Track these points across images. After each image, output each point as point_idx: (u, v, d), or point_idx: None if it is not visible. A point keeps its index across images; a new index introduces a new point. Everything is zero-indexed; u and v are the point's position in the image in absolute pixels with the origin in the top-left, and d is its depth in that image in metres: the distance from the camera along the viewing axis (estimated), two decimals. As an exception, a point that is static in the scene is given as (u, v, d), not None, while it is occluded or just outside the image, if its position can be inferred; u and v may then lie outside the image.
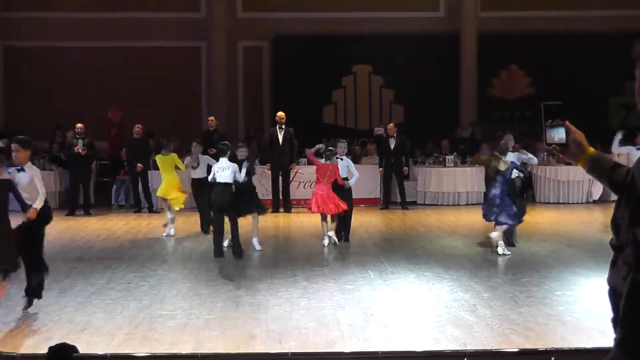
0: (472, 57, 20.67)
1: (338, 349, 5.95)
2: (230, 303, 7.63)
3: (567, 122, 2.54)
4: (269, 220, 14.47)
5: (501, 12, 20.93)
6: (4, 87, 21.07)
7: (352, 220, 12.14)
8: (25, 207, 7.22)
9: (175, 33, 20.70)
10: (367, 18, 20.95)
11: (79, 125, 15.85)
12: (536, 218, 14.75)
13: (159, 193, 12.99)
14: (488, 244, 11.07)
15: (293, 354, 5.75)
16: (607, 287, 1.85)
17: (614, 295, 1.76)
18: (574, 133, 2.54)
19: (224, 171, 10.37)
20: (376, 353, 5.75)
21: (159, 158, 12.96)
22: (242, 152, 10.92)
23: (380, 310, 7.32)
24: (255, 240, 10.98)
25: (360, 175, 15.83)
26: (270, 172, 15.79)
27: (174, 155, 13.04)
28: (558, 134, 2.55)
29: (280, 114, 15.54)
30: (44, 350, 5.65)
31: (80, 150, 15.48)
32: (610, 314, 1.78)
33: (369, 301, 7.70)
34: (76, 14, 20.51)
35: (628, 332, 1.68)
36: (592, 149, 2.52)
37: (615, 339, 1.71)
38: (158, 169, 13.33)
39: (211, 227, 11.34)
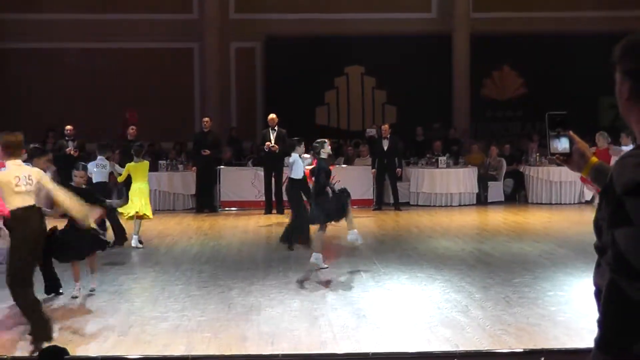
0: (465, 57, 20.66)
1: (330, 351, 5.96)
2: (223, 305, 7.62)
3: (571, 132, 2.57)
4: (262, 222, 14.49)
5: (493, 13, 20.94)
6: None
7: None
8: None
9: (167, 34, 20.66)
10: (359, 19, 20.95)
11: (68, 127, 15.80)
12: (528, 218, 14.79)
13: (139, 210, 11.26)
14: (482, 245, 11.06)
15: (284, 355, 5.75)
16: (593, 288, 1.86)
17: (599, 296, 1.78)
18: (578, 143, 2.56)
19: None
20: (367, 354, 5.75)
21: (132, 166, 11.59)
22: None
23: (372, 311, 7.33)
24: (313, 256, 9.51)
25: (353, 176, 15.96)
26: (263, 173, 15.76)
27: (147, 163, 12.02)
28: (562, 144, 2.57)
29: (272, 116, 15.43)
30: (35, 352, 5.65)
31: (72, 152, 15.44)
32: (597, 315, 1.79)
33: (361, 302, 7.71)
34: (68, 16, 20.42)
35: (606, 331, 1.70)
36: (595, 159, 2.54)
37: (595, 339, 1.73)
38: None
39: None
